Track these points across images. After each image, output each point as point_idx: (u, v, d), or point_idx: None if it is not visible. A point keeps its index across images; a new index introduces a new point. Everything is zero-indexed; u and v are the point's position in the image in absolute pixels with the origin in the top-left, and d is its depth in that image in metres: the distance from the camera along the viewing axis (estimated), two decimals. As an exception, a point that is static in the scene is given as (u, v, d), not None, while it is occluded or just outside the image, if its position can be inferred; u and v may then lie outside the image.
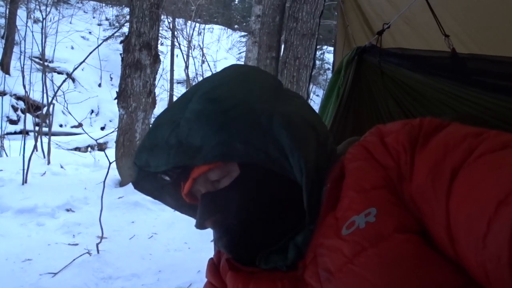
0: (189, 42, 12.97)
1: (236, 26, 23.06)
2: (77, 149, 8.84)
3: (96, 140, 4.21)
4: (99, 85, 15.78)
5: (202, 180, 0.65)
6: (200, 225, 0.67)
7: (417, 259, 0.47)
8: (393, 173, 0.54)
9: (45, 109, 7.47)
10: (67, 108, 3.82)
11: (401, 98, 1.67)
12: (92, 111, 14.13)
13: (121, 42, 5.26)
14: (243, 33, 20.43)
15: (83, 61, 4.63)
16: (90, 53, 4.66)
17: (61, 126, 12.80)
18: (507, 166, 0.43)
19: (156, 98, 5.67)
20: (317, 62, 17.18)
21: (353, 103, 1.75)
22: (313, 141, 0.65)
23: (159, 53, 5.64)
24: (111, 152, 5.65)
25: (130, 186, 5.15)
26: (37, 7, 8.09)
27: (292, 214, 0.63)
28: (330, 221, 0.56)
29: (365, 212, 0.52)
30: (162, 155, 0.63)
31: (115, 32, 7.34)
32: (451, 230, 0.45)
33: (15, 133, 10.58)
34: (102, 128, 13.76)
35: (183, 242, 3.80)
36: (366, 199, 0.54)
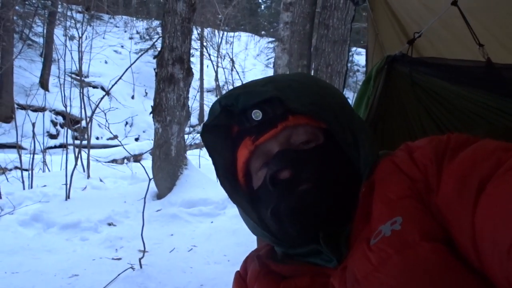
0: (218, 51, 13.13)
1: (263, 32, 23.18)
2: (114, 161, 9.08)
3: (132, 155, 4.31)
4: (132, 97, 16.24)
5: (284, 136, 0.66)
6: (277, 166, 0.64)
7: (442, 268, 0.47)
8: (421, 185, 0.55)
9: (83, 123, 7.75)
10: (108, 128, 3.92)
11: (433, 109, 1.61)
12: (127, 123, 14.54)
13: (154, 57, 5.38)
14: (270, 39, 20.52)
15: (120, 78, 4.77)
16: (126, 70, 4.79)
17: (97, 138, 13.25)
18: None
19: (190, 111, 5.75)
20: (346, 65, 16.97)
21: (383, 114, 1.71)
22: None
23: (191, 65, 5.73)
24: (146, 163, 5.76)
25: (167, 198, 5.23)
26: (73, 25, 8.45)
27: (349, 200, 0.63)
28: (365, 234, 0.57)
29: (391, 221, 0.53)
30: (256, 91, 0.67)
31: (149, 48, 7.52)
32: (476, 241, 0.45)
33: (55, 147, 11.05)
34: (137, 139, 14.12)
35: (222, 255, 3.81)
36: (392, 209, 0.55)
